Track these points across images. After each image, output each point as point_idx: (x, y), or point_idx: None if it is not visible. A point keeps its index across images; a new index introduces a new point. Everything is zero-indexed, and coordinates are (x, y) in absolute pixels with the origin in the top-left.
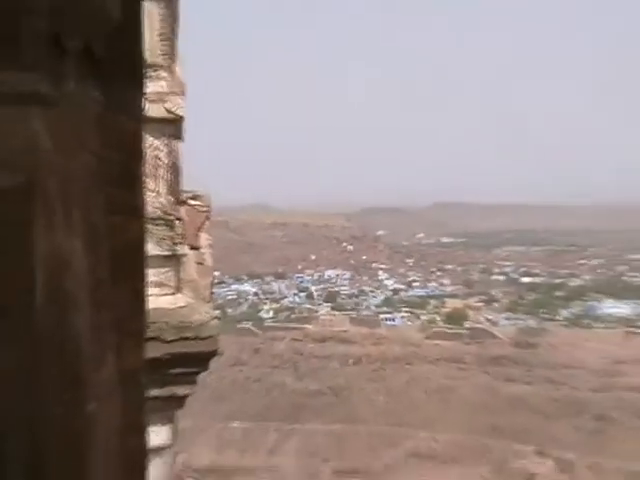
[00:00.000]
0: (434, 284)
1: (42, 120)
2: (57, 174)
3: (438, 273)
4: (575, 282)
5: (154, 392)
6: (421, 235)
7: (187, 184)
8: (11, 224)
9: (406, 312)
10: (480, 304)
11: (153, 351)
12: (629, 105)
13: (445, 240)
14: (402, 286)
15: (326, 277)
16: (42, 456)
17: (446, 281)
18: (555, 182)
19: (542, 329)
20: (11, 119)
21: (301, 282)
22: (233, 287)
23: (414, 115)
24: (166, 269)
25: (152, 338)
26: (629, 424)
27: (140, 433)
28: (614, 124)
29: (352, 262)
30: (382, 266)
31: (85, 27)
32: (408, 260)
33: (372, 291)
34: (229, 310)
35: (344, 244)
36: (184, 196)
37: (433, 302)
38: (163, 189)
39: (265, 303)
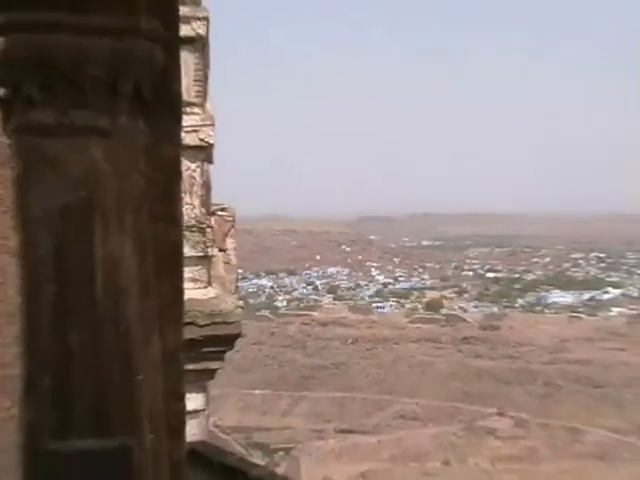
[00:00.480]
0: (416, 279)
1: (100, 148)
2: (112, 192)
3: (419, 270)
4: (529, 277)
5: (190, 366)
6: (406, 239)
7: (216, 198)
8: (76, 232)
9: (393, 301)
10: (453, 295)
11: (189, 333)
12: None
13: (425, 243)
14: (390, 280)
15: (328, 273)
16: (105, 412)
17: (426, 276)
18: (514, 193)
19: (503, 314)
20: (76, 148)
21: (308, 277)
22: (253, 282)
23: (404, 133)
24: (199, 267)
25: (188, 323)
26: (571, 390)
27: (179, 399)
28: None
29: (349, 261)
30: (374, 264)
31: (136, 74)
32: (395, 259)
33: (366, 285)
34: (250, 300)
35: (343, 246)
36: (214, 208)
37: (415, 293)
38: (197, 203)
39: (279, 294)
